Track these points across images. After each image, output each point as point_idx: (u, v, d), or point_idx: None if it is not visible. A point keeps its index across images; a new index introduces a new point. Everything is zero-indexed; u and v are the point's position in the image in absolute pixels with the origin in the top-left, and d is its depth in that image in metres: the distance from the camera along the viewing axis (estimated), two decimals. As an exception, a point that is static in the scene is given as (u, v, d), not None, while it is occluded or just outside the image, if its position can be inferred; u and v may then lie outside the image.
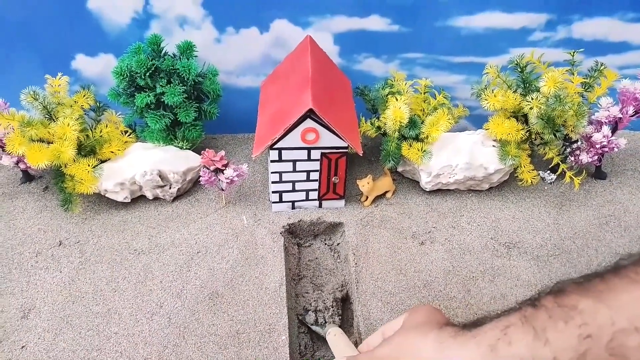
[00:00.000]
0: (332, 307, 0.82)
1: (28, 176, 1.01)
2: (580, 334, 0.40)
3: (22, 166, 0.96)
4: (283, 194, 0.91)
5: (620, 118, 0.95)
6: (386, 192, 0.97)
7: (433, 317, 0.57)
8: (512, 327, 0.44)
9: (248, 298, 0.79)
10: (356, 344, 0.74)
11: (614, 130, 0.96)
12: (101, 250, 0.87)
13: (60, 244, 0.88)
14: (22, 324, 0.76)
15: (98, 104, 0.98)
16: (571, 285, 0.44)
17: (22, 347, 0.72)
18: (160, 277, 0.82)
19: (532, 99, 0.89)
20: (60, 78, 0.93)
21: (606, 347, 0.39)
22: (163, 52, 0.95)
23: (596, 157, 0.98)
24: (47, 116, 0.92)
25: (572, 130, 0.94)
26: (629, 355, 0.39)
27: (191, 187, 1.00)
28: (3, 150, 0.92)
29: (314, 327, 0.80)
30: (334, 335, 0.75)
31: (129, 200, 0.94)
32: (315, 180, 0.90)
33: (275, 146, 0.83)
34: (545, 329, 0.42)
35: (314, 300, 0.83)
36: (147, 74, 0.90)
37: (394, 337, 0.57)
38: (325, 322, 0.80)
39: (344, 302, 0.85)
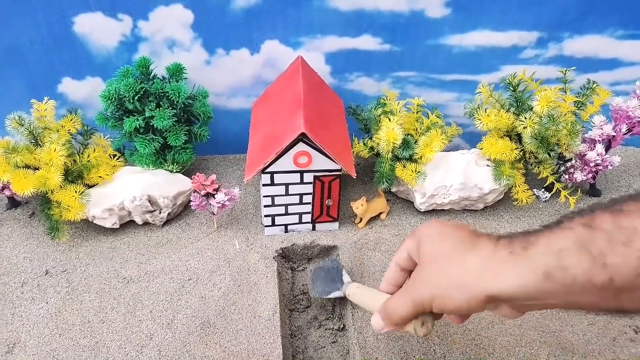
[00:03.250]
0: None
1: (14, 202, 0.98)
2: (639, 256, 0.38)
3: (7, 193, 0.93)
4: (276, 217, 0.90)
5: (614, 136, 0.94)
6: (380, 213, 0.96)
7: (453, 234, 0.50)
8: (565, 251, 0.42)
9: (241, 327, 0.77)
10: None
11: (607, 148, 0.96)
12: (89, 279, 0.84)
13: (46, 273, 0.85)
14: (6, 359, 0.73)
15: (86, 128, 0.96)
16: (629, 203, 0.41)
17: (6, 384, 0.70)
18: (150, 306, 0.80)
19: (526, 118, 0.89)
20: (46, 102, 0.91)
21: None
22: (152, 74, 0.94)
23: (590, 175, 0.97)
24: (33, 141, 0.89)
25: (566, 149, 0.94)
26: None
27: (182, 211, 0.98)
28: (-13, 177, 0.89)
29: (331, 295, 0.77)
30: (357, 288, 0.69)
31: (118, 226, 0.91)
32: (309, 204, 0.88)
33: (267, 170, 0.82)
34: (604, 255, 0.40)
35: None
36: (136, 97, 0.89)
37: (424, 273, 0.50)
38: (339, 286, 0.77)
39: (340, 331, 0.83)
